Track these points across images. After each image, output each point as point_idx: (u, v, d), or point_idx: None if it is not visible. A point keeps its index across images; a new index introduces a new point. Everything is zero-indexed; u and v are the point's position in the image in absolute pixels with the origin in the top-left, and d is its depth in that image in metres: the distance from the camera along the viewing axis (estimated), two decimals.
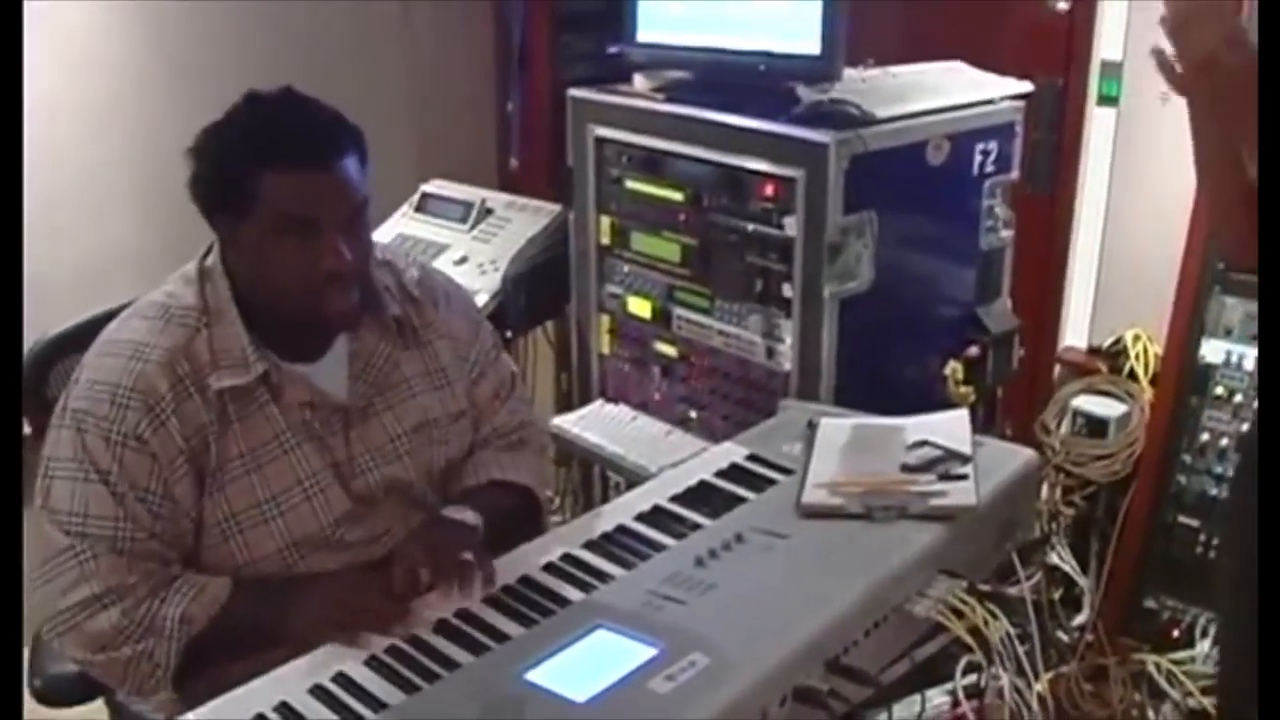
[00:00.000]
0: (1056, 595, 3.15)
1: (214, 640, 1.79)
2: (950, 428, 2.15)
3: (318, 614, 1.78)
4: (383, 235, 3.27)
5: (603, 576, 1.83)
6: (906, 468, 2.03)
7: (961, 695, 2.03)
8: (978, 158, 2.71)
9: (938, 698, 2.51)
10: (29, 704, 2.02)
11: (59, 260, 3.20)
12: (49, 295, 3.02)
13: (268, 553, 1.88)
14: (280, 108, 1.84)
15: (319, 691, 1.59)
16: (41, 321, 2.20)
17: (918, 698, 2.47)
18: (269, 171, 1.77)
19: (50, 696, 2.03)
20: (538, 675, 1.57)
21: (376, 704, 1.56)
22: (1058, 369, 3.45)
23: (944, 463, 2.03)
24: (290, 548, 1.89)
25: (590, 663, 1.59)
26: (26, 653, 2.07)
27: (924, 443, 2.09)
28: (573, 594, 1.79)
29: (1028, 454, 2.15)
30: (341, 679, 1.62)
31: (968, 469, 2.00)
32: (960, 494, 1.94)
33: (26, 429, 2.13)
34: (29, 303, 2.87)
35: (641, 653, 1.59)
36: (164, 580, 1.80)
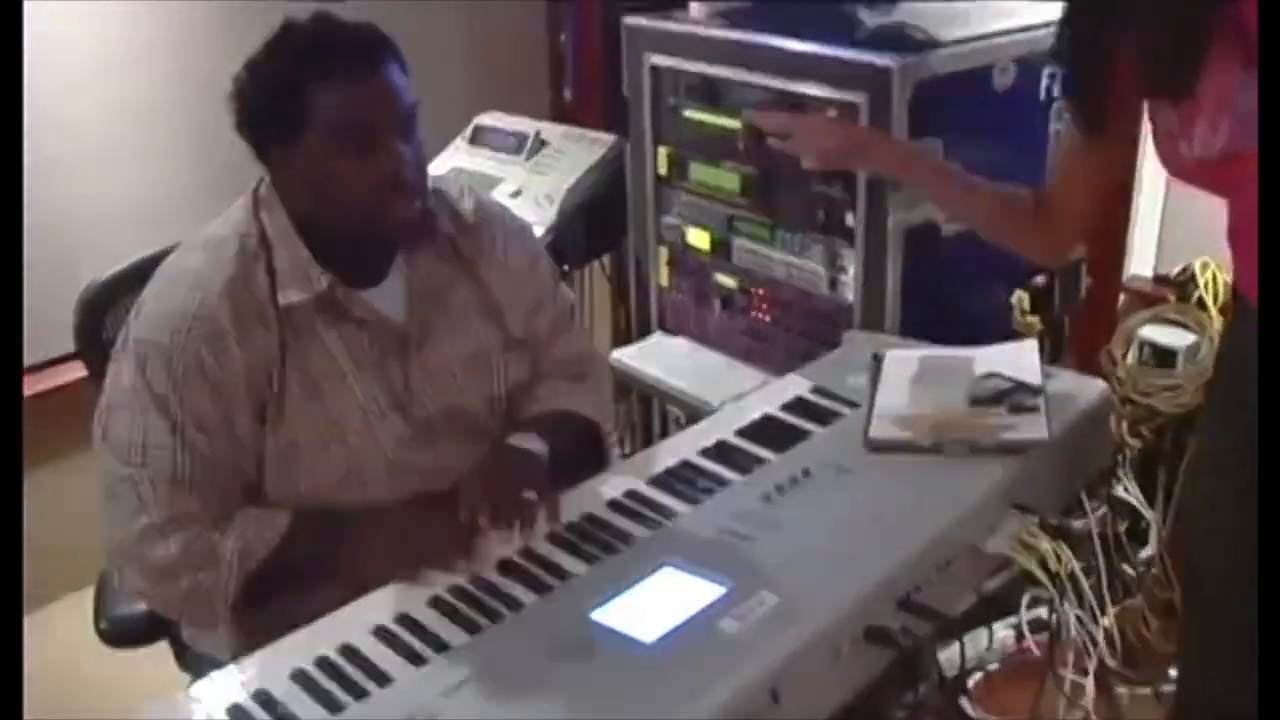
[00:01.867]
0: (1122, 528, 3.11)
1: (273, 573, 1.78)
2: (1019, 359, 2.09)
3: (378, 548, 1.76)
4: (437, 168, 3.23)
5: (668, 513, 1.79)
6: (976, 400, 1.97)
7: (1027, 630, 2.00)
8: (1045, 81, 2.63)
9: (1002, 631, 2.48)
10: (96, 645, 2.03)
11: (108, 203, 3.20)
12: (98, 237, 3.03)
13: (330, 480, 1.86)
14: (316, 26, 1.81)
15: (382, 633, 1.57)
16: (92, 263, 2.18)
17: (984, 632, 2.43)
18: (316, 87, 1.75)
19: (115, 637, 2.03)
20: (604, 615, 1.55)
21: (440, 644, 1.54)
22: (1123, 298, 3.38)
23: (1014, 395, 1.97)
24: (352, 474, 1.87)
25: (658, 602, 1.56)
26: (92, 592, 2.08)
27: (993, 374, 2.03)
28: (638, 531, 1.76)
29: (1099, 385, 2.10)
30: (404, 620, 1.60)
31: (1038, 401, 1.95)
32: (1031, 427, 1.89)
33: (83, 371, 2.13)
34: (80, 245, 2.91)
35: (710, 591, 1.56)
36: (223, 512, 1.79)
